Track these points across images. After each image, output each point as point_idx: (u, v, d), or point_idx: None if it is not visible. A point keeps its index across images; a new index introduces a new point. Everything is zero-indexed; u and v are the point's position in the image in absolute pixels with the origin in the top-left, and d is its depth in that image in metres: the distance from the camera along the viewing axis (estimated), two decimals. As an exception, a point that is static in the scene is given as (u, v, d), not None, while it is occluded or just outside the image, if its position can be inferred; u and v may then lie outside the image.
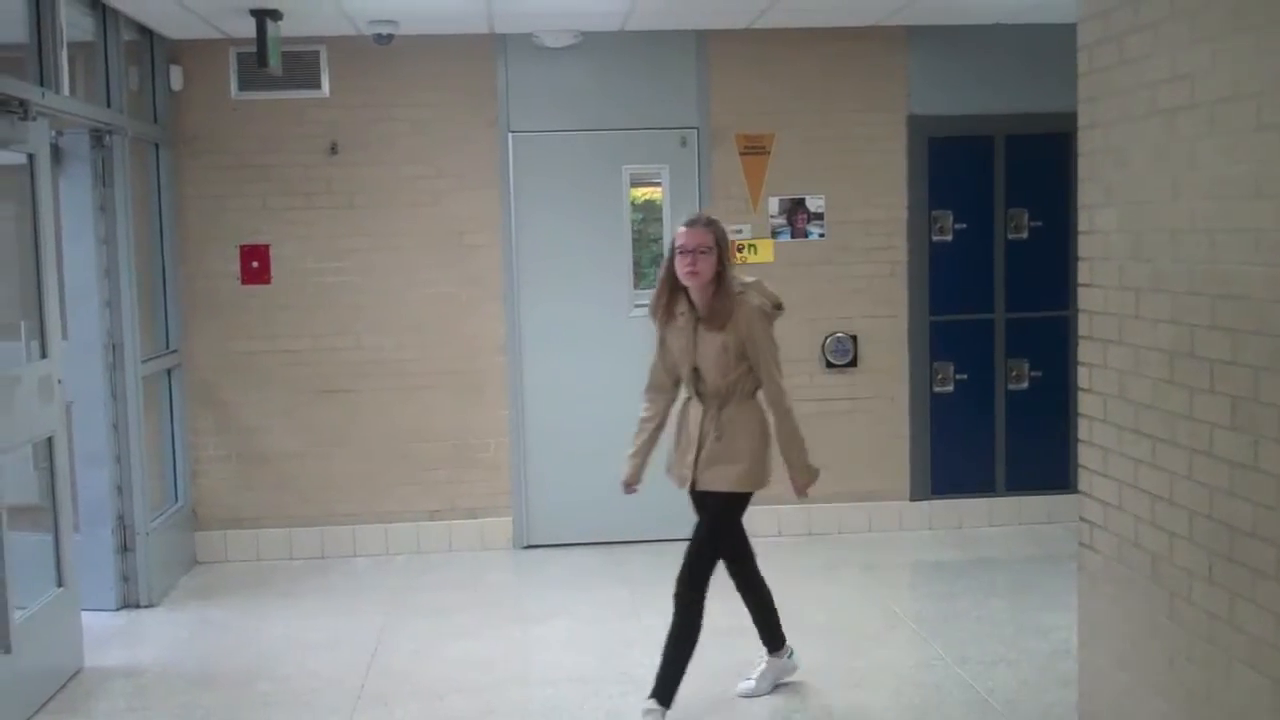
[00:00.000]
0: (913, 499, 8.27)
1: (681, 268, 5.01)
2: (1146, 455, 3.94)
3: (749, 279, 5.16)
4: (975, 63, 7.95)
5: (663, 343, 5.27)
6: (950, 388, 8.21)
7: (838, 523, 8.22)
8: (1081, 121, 4.37)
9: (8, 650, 5.13)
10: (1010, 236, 8.05)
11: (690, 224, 5.08)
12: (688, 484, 5.23)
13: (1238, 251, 3.46)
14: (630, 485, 5.45)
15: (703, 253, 4.99)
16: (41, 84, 5.73)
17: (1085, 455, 4.39)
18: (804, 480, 5.21)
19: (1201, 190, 3.64)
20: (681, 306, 5.13)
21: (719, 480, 5.12)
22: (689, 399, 5.23)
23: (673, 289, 5.13)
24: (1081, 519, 4.44)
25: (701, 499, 5.24)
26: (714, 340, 5.03)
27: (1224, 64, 3.51)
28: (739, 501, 5.22)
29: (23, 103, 5.37)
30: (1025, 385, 8.10)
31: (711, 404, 5.10)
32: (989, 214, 8.08)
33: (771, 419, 5.13)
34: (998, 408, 8.19)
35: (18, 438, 5.41)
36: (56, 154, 6.50)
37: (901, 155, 8.08)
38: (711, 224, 5.07)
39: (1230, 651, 3.54)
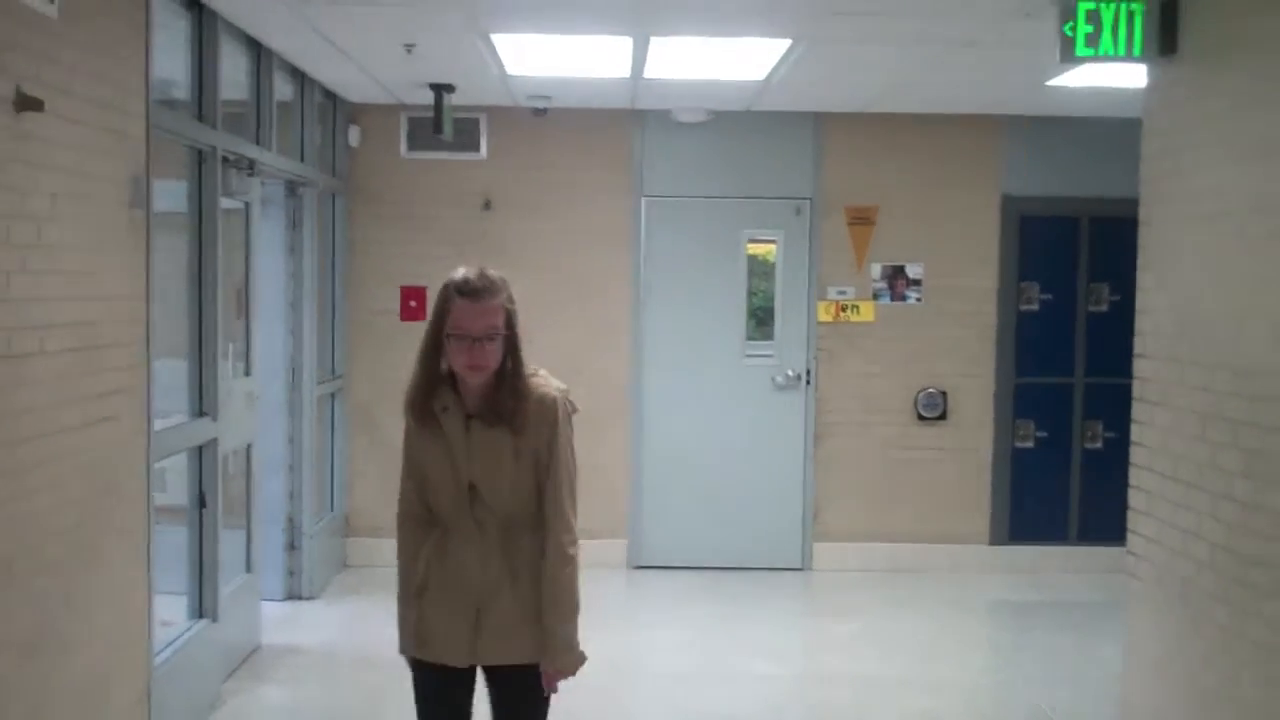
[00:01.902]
0: (992, 543, 9.05)
1: (460, 360, 3.51)
2: (1181, 498, 4.76)
3: (531, 365, 3.65)
4: (1065, 150, 8.77)
5: (412, 452, 3.69)
6: (1031, 443, 9.00)
7: (922, 562, 9.01)
8: (1141, 218, 5.22)
9: (215, 619, 6.12)
10: (1090, 309, 8.86)
11: (472, 294, 3.50)
12: (464, 659, 3.62)
13: (1257, 334, 4.28)
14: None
15: (490, 339, 3.50)
16: (258, 143, 6.78)
17: (1133, 498, 5.21)
18: (567, 664, 3.62)
19: (1232, 284, 4.47)
20: (444, 399, 3.59)
21: (524, 649, 3.59)
22: (445, 533, 3.64)
23: (432, 379, 3.59)
24: (1128, 552, 5.26)
25: (494, 682, 3.70)
26: (499, 445, 3.53)
27: (1250, 182, 4.35)
28: (534, 677, 3.64)
29: (251, 161, 6.42)
30: (1100, 445, 8.86)
31: (493, 538, 3.57)
32: (1072, 287, 8.89)
33: (547, 564, 3.55)
34: (1074, 464, 8.95)
35: (231, 443, 6.42)
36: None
37: (994, 231, 8.93)
38: (498, 291, 3.54)
39: (1240, 660, 4.34)
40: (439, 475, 3.60)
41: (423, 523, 3.69)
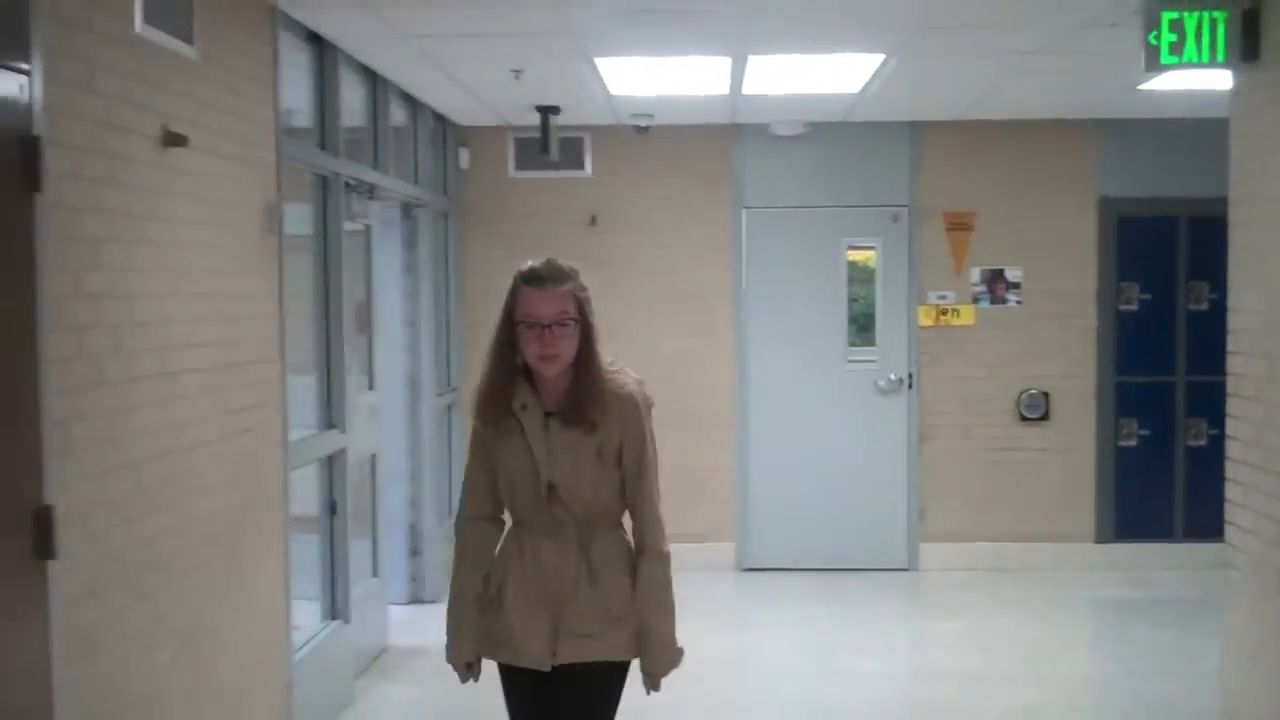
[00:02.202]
0: (1097, 541, 9.14)
1: (532, 349, 3.44)
2: (1275, 489, 4.89)
3: (608, 357, 3.59)
4: (1160, 151, 8.85)
5: (484, 452, 3.60)
6: (1134, 442, 9.08)
7: (1027, 561, 9.12)
8: (1231, 220, 5.35)
9: (346, 621, 6.47)
10: (1191, 307, 8.92)
11: (538, 281, 3.48)
12: (547, 662, 3.52)
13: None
14: (473, 668, 3.72)
15: (562, 325, 3.44)
16: (376, 167, 7.13)
17: (1230, 491, 5.34)
18: (667, 663, 3.58)
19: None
20: (523, 397, 3.50)
21: (602, 648, 3.52)
22: (521, 532, 3.58)
23: (507, 374, 3.52)
24: (1226, 543, 5.38)
25: (568, 680, 3.57)
26: (579, 444, 3.47)
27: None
28: (622, 678, 3.61)
29: (371, 186, 6.78)
30: (1204, 442, 8.90)
31: (570, 536, 3.52)
32: (1172, 287, 8.97)
33: (643, 562, 3.54)
34: (1177, 461, 9.02)
35: (357, 453, 6.77)
36: (376, 223, 7.92)
37: (1092, 233, 9.03)
38: (569, 279, 3.50)
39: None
40: (517, 474, 3.52)
41: (493, 523, 3.64)
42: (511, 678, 3.66)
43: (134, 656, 4.01)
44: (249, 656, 5.00)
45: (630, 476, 3.54)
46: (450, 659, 3.70)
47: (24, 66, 3.43)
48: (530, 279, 3.49)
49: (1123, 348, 9.03)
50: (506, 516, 3.66)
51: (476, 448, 3.64)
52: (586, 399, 3.46)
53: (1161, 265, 8.99)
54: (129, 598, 3.98)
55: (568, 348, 3.45)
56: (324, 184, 6.24)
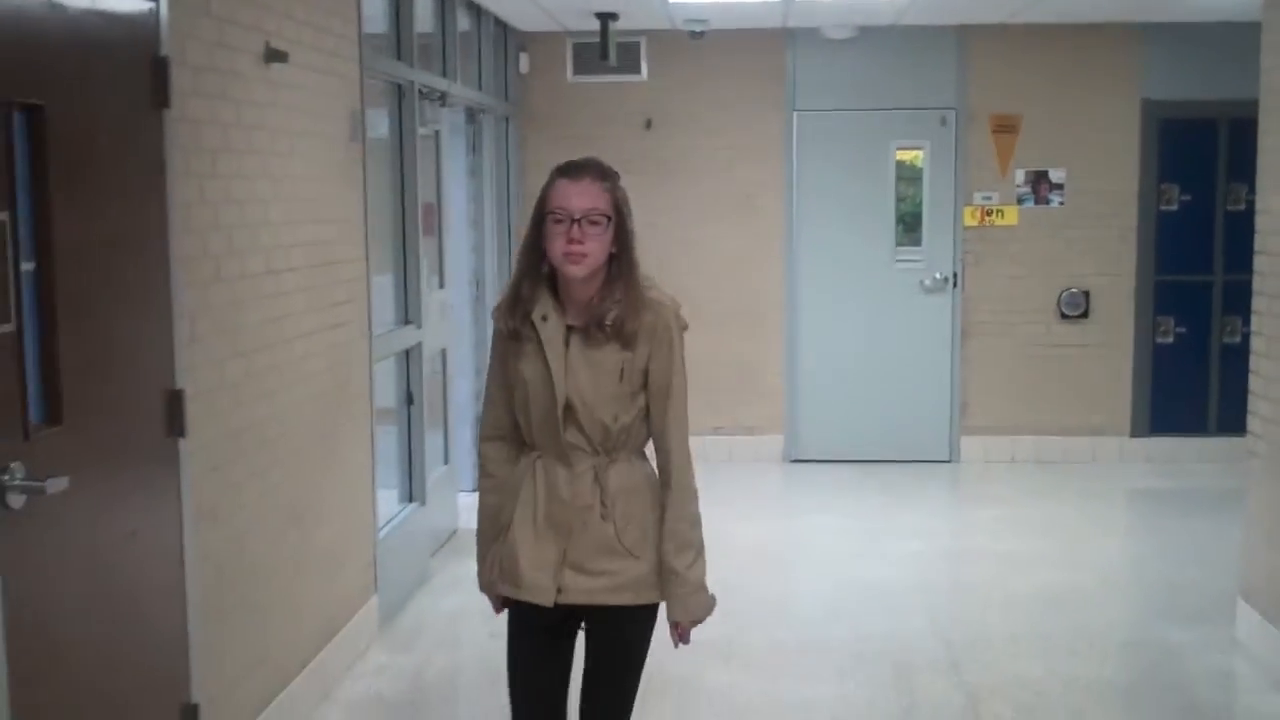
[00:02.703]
0: (1133, 435, 9.49)
1: (558, 245, 3.13)
2: (1294, 380, 5.24)
3: (646, 272, 3.27)
4: (1202, 54, 9.04)
5: (501, 365, 3.33)
6: (1171, 339, 9.40)
7: (1064, 454, 9.49)
8: (1261, 126, 5.63)
9: (423, 503, 6.94)
10: (1229, 208, 9.17)
11: (573, 173, 3.18)
12: (550, 597, 3.23)
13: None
14: (506, 600, 3.39)
15: (593, 222, 3.12)
16: (444, 75, 7.47)
17: (1253, 383, 5.67)
18: (698, 609, 3.31)
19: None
20: (545, 307, 3.21)
21: (611, 588, 3.24)
22: (535, 455, 3.28)
23: (532, 279, 3.23)
24: (1249, 432, 5.74)
25: (583, 622, 3.34)
26: (605, 361, 3.18)
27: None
28: (650, 623, 3.33)
29: (442, 94, 7.13)
30: (1238, 339, 9.17)
31: (586, 462, 3.22)
32: (1211, 188, 9.22)
33: (671, 501, 3.26)
34: (1212, 358, 9.33)
35: (430, 348, 7.19)
36: (443, 128, 8.27)
37: (1135, 135, 9.27)
38: (604, 174, 3.20)
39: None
40: (531, 392, 3.21)
41: (513, 442, 3.34)
42: (519, 619, 3.36)
43: (249, 526, 4.48)
44: (342, 531, 5.47)
45: (656, 401, 3.21)
46: (482, 587, 3.43)
47: (152, -6, 3.80)
48: (565, 170, 3.18)
49: (1162, 247, 9.31)
50: None
51: (495, 360, 3.35)
52: (615, 311, 3.15)
53: (1201, 167, 9.23)
54: (245, 473, 4.43)
55: (597, 248, 3.12)
56: (399, 92, 6.59)
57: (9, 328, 3.08)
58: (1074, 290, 9.41)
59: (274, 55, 4.64)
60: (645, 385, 3.22)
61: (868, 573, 6.98)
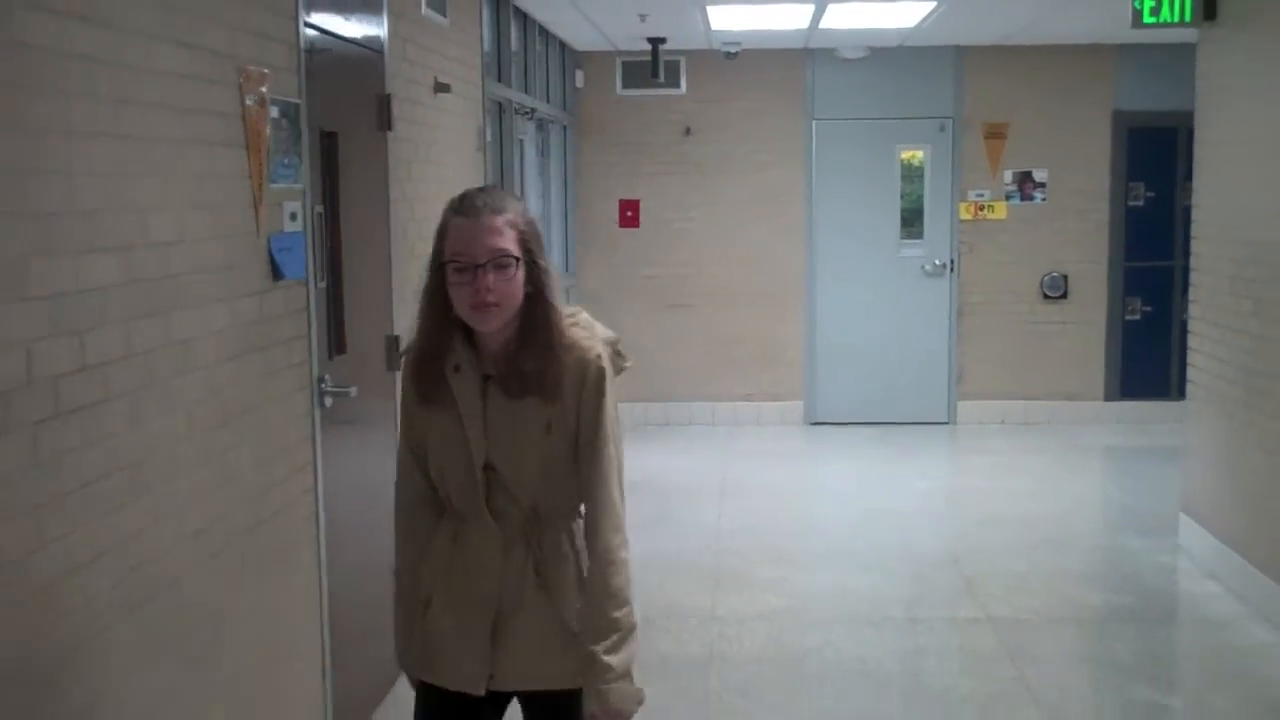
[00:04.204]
0: (1106, 399, 10.99)
1: (463, 298, 2.74)
2: (1219, 336, 6.72)
3: (571, 307, 2.92)
4: (1165, 72, 10.49)
5: (410, 425, 2.95)
6: (1138, 316, 10.90)
7: (1047, 416, 10.98)
8: (1196, 138, 7.14)
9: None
10: (1186, 203, 10.59)
11: (470, 210, 2.77)
12: (480, 685, 2.88)
13: (1262, 220, 6.20)
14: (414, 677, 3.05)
15: (500, 267, 2.72)
16: (527, 91, 8.94)
17: (1191, 341, 7.18)
18: (620, 701, 2.80)
19: (1250, 186, 6.39)
20: (456, 357, 2.83)
21: (553, 672, 2.88)
22: (455, 524, 2.91)
23: (440, 329, 2.83)
24: (1189, 380, 7.24)
25: (523, 708, 3.00)
26: (528, 414, 2.81)
27: (1263, 114, 6.24)
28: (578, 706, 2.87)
29: (532, 109, 8.61)
30: (1196, 316, 10.70)
31: (516, 531, 2.86)
32: (1172, 186, 10.71)
33: (593, 573, 2.85)
34: (1174, 333, 10.81)
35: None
36: (518, 136, 9.74)
37: (1107, 140, 10.77)
38: (503, 208, 2.78)
39: (1250, 441, 6.32)
40: (447, 454, 2.83)
41: (431, 506, 2.93)
42: (439, 706, 2.95)
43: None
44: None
45: (584, 454, 2.81)
46: (402, 666, 3.07)
47: (380, 48, 5.28)
48: (460, 208, 2.77)
49: (1130, 237, 10.81)
50: None
51: (404, 419, 2.96)
52: (534, 359, 2.75)
53: (1163, 168, 10.73)
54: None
55: (508, 295, 2.71)
56: (499, 109, 8.07)
57: (324, 284, 4.56)
58: (1055, 274, 10.89)
59: (440, 87, 6.13)
60: (576, 438, 2.81)
61: (881, 504, 8.48)
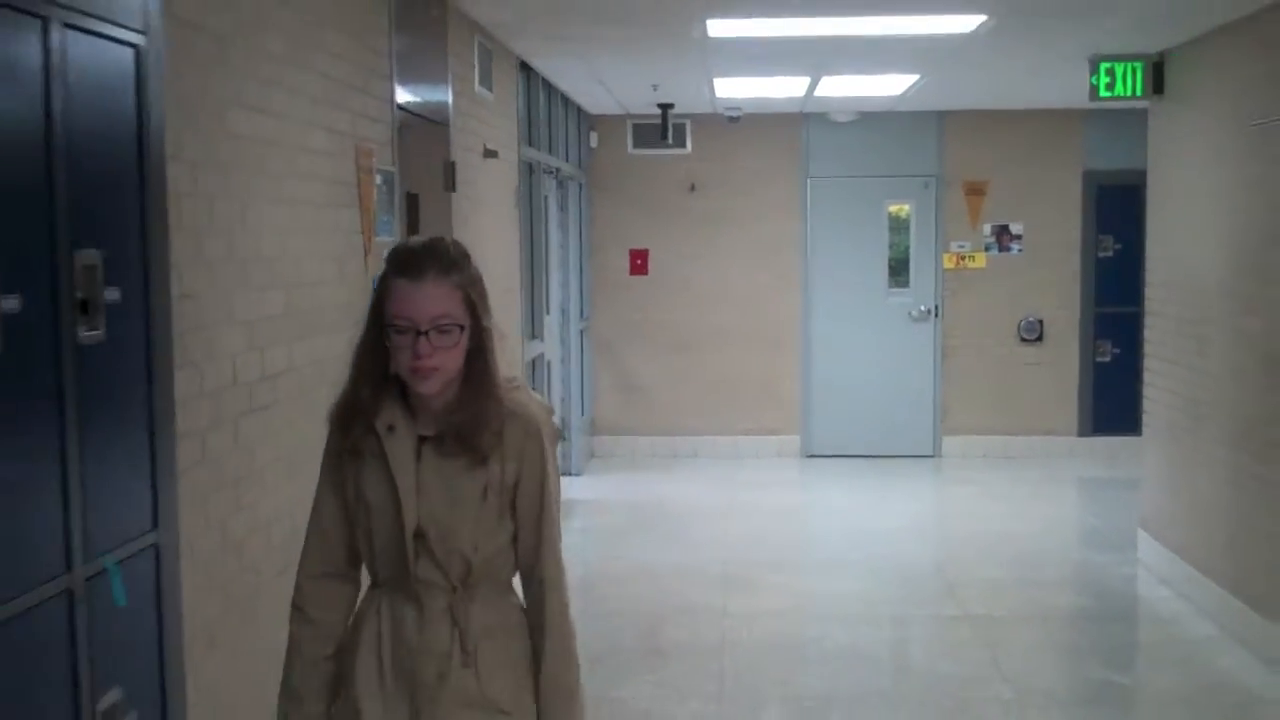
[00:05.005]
0: (1079, 435, 11.91)
1: (404, 360, 2.63)
2: (1168, 370, 7.65)
3: (510, 374, 2.80)
4: (1130, 135, 11.39)
5: (334, 485, 2.78)
6: (1108, 358, 11.83)
7: (1025, 450, 11.88)
8: (1149, 196, 8.10)
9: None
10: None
11: (414, 270, 2.62)
12: None
13: (1200, 267, 7.14)
14: None
15: (443, 331, 2.62)
16: (551, 152, 9.90)
17: (1146, 376, 8.11)
18: None
19: (1192, 238, 7.33)
20: (391, 415, 2.70)
21: None
22: (379, 594, 2.76)
23: (373, 384, 2.71)
24: (1144, 411, 8.16)
25: None
26: (461, 480, 2.68)
27: (1204, 178, 7.19)
28: None
29: (557, 168, 9.56)
30: (1161, 357, 11.64)
31: (441, 600, 2.70)
32: (1138, 238, 11.59)
33: (544, 641, 2.74)
34: (1141, 373, 11.71)
35: (547, 358, 9.56)
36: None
37: (1078, 196, 11.75)
38: (451, 267, 2.67)
39: (1199, 461, 7.24)
40: (376, 517, 2.70)
41: (345, 582, 2.81)
42: None
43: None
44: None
45: (526, 526, 2.71)
46: None
47: (446, 121, 6.22)
48: (402, 267, 2.64)
49: (1100, 285, 11.77)
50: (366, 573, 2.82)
51: (326, 480, 2.79)
52: (473, 420, 2.64)
53: (1130, 222, 11.64)
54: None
55: (450, 359, 2.63)
56: (529, 169, 9.01)
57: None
58: (1031, 319, 11.84)
59: (489, 153, 7.07)
60: (513, 506, 2.69)
61: (872, 524, 9.38)
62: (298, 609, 2.77)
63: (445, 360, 2.60)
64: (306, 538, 2.79)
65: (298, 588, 2.78)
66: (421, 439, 2.67)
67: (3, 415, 2.53)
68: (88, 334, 2.83)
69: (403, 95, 5.45)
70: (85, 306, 2.82)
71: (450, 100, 6.25)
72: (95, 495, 2.86)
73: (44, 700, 2.70)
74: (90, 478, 2.84)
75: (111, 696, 2.94)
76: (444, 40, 6.20)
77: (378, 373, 2.67)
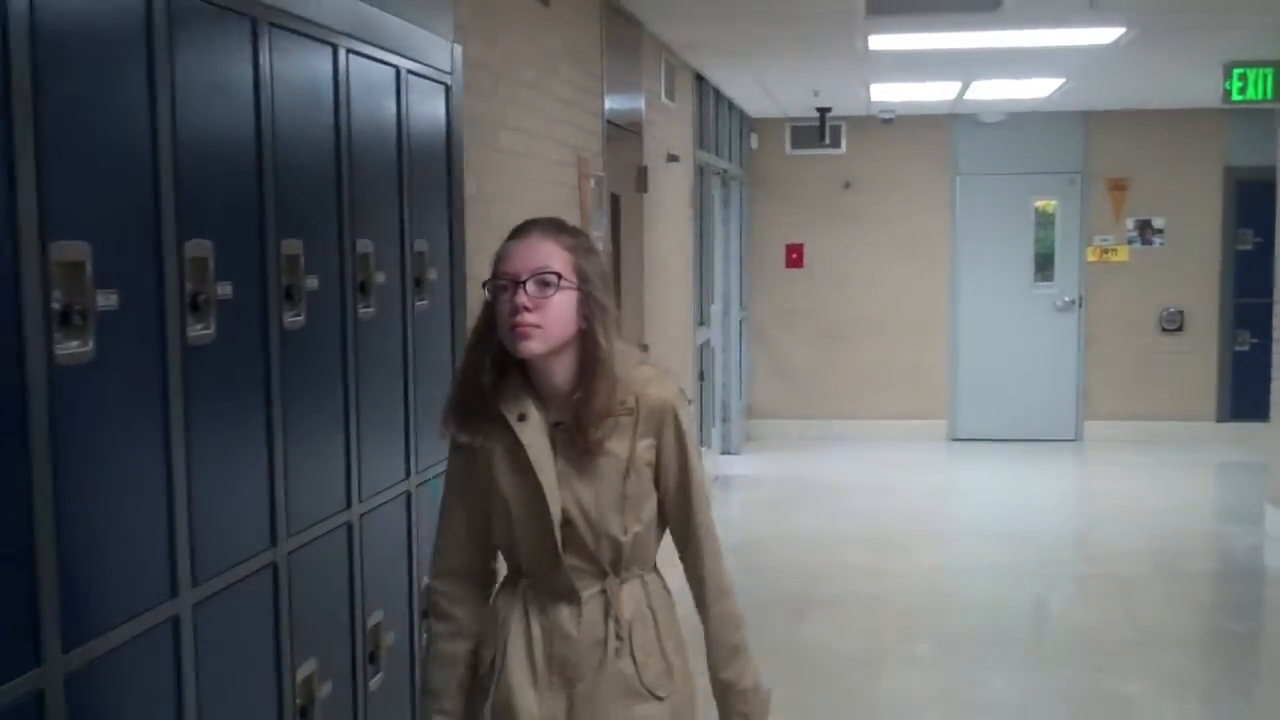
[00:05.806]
0: (1218, 421, 12.43)
1: (503, 318, 2.53)
2: (1297, 356, 8.28)
3: (635, 349, 2.76)
4: (1269, 131, 11.99)
5: (463, 483, 2.70)
6: (1247, 347, 12.32)
7: (1164, 435, 12.42)
8: (1280, 193, 8.70)
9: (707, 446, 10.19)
10: (1289, 248, 12.13)
11: (520, 232, 2.59)
12: None
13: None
14: None
15: (542, 283, 2.51)
16: (717, 155, 10.76)
17: (1276, 361, 8.71)
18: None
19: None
20: (519, 404, 2.60)
21: None
22: (525, 589, 2.68)
23: (497, 367, 2.62)
24: (1272, 394, 8.76)
25: None
26: (602, 461, 2.59)
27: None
28: None
29: (725, 170, 10.44)
30: (1299, 347, 12.10)
31: (593, 588, 2.64)
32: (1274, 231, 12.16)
33: (710, 609, 2.71)
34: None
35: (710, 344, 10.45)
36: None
37: (1219, 192, 12.27)
38: (560, 233, 2.59)
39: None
40: (516, 511, 2.61)
41: (480, 581, 2.76)
42: None
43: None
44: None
45: (675, 500, 2.67)
46: None
47: (639, 129, 7.13)
48: (513, 231, 2.61)
49: (1239, 277, 12.28)
50: (500, 566, 2.79)
51: (454, 478, 2.73)
52: (600, 398, 2.55)
53: (1268, 216, 12.13)
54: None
55: (552, 319, 2.51)
56: (701, 171, 9.89)
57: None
58: (1172, 310, 12.39)
59: (672, 158, 7.96)
60: (656, 481, 2.64)
61: (1016, 499, 10.09)
62: (434, 607, 2.74)
63: (546, 319, 2.49)
64: (438, 537, 2.75)
65: (432, 588, 2.76)
66: (556, 425, 2.59)
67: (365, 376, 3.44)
68: (419, 304, 3.78)
69: (609, 107, 6.36)
70: (418, 282, 3.76)
71: (643, 111, 7.16)
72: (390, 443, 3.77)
73: (332, 609, 3.51)
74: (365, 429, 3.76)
75: (375, 618, 3.52)
76: (638, 59, 7.11)
77: (496, 359, 2.59)
